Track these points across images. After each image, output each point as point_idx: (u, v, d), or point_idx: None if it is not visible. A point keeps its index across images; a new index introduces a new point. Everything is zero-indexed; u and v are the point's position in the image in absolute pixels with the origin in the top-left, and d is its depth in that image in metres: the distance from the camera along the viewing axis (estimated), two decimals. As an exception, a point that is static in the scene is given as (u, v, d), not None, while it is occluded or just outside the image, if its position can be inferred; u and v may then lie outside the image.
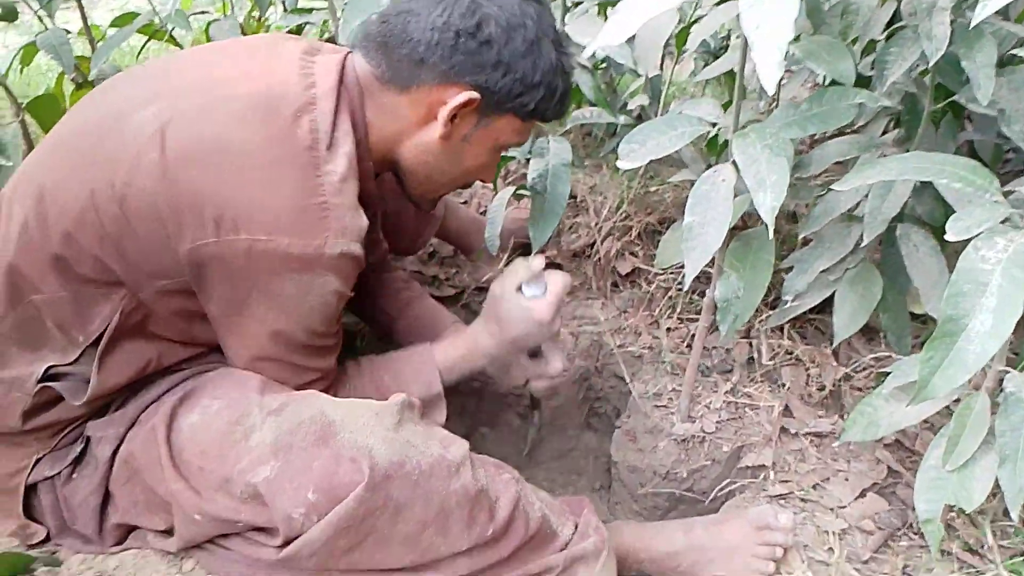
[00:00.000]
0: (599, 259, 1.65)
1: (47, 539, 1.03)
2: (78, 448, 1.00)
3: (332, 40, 1.63)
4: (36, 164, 0.97)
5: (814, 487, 1.28)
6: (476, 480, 0.93)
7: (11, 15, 1.36)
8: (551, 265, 1.35)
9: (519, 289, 1.17)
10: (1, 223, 0.95)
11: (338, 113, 0.96)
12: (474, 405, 1.64)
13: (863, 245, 1.25)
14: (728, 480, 1.36)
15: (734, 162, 1.05)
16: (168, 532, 0.97)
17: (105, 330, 0.95)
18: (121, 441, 0.98)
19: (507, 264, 1.70)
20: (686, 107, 1.17)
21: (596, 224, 1.69)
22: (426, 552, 0.91)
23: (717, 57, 1.75)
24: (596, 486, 1.65)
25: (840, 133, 1.79)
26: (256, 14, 1.71)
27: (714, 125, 1.13)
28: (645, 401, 1.42)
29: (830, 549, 1.18)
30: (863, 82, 1.34)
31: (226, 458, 0.90)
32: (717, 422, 1.39)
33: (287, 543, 0.89)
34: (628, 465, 1.41)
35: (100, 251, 0.91)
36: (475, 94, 0.99)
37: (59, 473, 0.99)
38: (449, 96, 0.99)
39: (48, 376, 0.96)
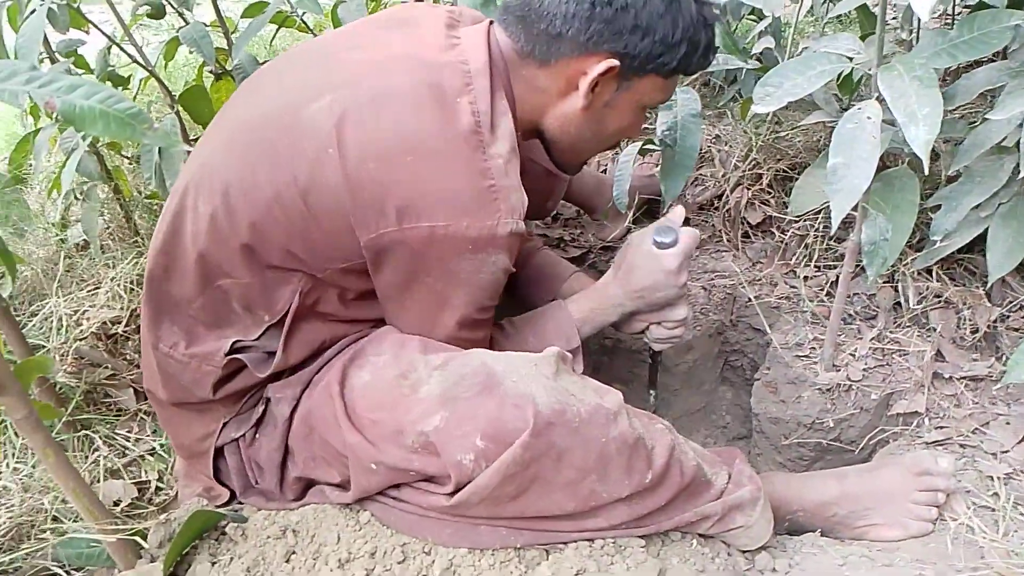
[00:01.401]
0: (728, 210, 1.62)
1: (231, 499, 1.12)
2: (260, 410, 1.07)
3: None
4: (215, 158, 1.00)
5: (973, 432, 1.23)
6: (633, 428, 0.95)
7: (159, 12, 1.45)
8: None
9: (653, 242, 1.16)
10: (188, 216, 1.00)
11: (494, 91, 0.97)
12: (607, 362, 1.66)
13: (1019, 178, 1.18)
14: (878, 428, 1.33)
15: (878, 97, 1.02)
16: (342, 485, 1.03)
17: (288, 311, 1.01)
18: (298, 400, 1.05)
19: (633, 221, 1.70)
20: (822, 44, 1.13)
21: (723, 175, 1.65)
22: (587, 499, 0.94)
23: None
24: (734, 440, 1.65)
25: (975, 64, 1.69)
26: (373, -8, 1.75)
27: (850, 60, 1.08)
28: (786, 351, 1.40)
29: (995, 494, 1.13)
30: (1013, 3, 1.25)
31: (397, 411, 0.95)
32: (864, 370, 1.35)
33: (457, 490, 0.93)
34: (770, 416, 1.40)
35: (286, 240, 0.97)
36: (615, 61, 0.98)
37: (243, 435, 1.07)
38: (588, 66, 0.99)
39: (234, 350, 1.03)
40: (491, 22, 1.04)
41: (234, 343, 1.02)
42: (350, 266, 0.99)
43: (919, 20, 1.52)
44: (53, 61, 1.46)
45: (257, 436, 1.07)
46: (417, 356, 0.99)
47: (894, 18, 1.47)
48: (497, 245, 0.95)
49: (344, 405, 0.99)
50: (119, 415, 1.35)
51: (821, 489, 1.18)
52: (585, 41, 0.97)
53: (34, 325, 1.40)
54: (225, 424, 1.08)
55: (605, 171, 1.83)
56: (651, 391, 1.43)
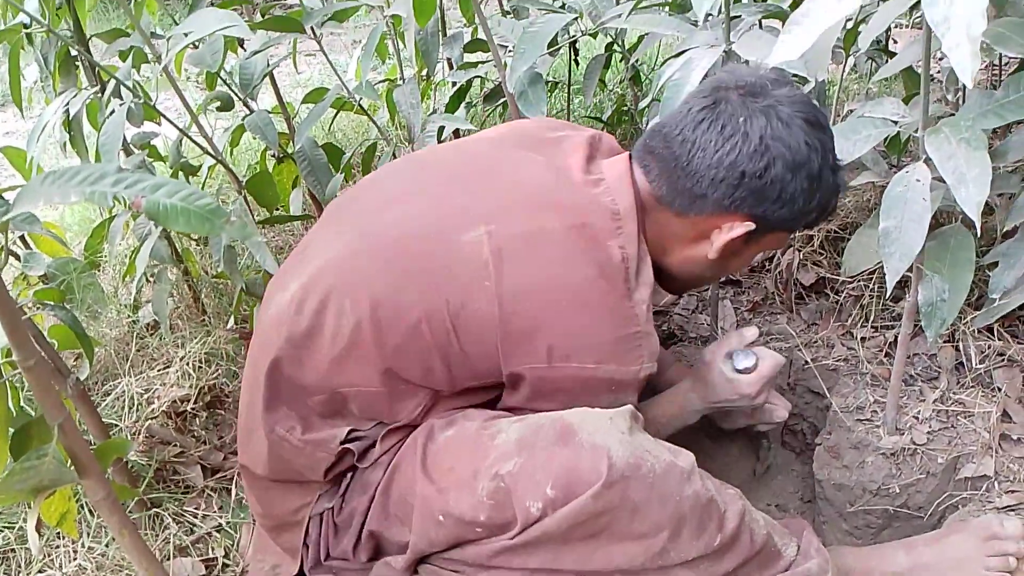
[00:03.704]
0: (780, 271, 1.62)
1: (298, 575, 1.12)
2: (349, 476, 1.09)
3: (498, 89, 1.72)
4: (360, 262, 1.01)
5: (1047, 495, 1.19)
6: (707, 488, 0.95)
7: (228, 105, 1.54)
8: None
9: (729, 356, 1.22)
10: (330, 315, 1.00)
11: (639, 235, 1.00)
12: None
13: (1078, 233, 1.17)
14: (947, 493, 1.29)
15: (926, 159, 1.02)
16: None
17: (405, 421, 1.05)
18: (389, 464, 1.06)
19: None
20: (867, 108, 1.14)
21: (773, 237, 1.66)
22: (656, 556, 0.93)
23: (890, 55, 1.69)
24: (797, 505, 1.61)
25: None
26: (424, 73, 1.82)
27: (895, 124, 1.10)
28: (847, 415, 1.38)
29: (1075, 561, 1.09)
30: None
31: (475, 455, 0.97)
32: (928, 432, 1.32)
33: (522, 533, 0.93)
34: (833, 483, 1.37)
35: (426, 357, 1.00)
36: (752, 225, 1.01)
37: (333, 505, 1.09)
38: (724, 222, 1.01)
39: (347, 439, 1.05)
40: (629, 155, 1.07)
41: (349, 432, 1.05)
42: (479, 384, 1.03)
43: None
44: (128, 152, 1.55)
45: (344, 505, 1.09)
46: (501, 415, 1.02)
47: (935, 77, 1.47)
48: (634, 387, 1.01)
49: (424, 456, 1.01)
50: (187, 492, 1.39)
51: (891, 560, 1.15)
52: (727, 204, 0.99)
53: (107, 404, 1.46)
54: (320, 495, 1.10)
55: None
56: (764, 451, 1.53)
